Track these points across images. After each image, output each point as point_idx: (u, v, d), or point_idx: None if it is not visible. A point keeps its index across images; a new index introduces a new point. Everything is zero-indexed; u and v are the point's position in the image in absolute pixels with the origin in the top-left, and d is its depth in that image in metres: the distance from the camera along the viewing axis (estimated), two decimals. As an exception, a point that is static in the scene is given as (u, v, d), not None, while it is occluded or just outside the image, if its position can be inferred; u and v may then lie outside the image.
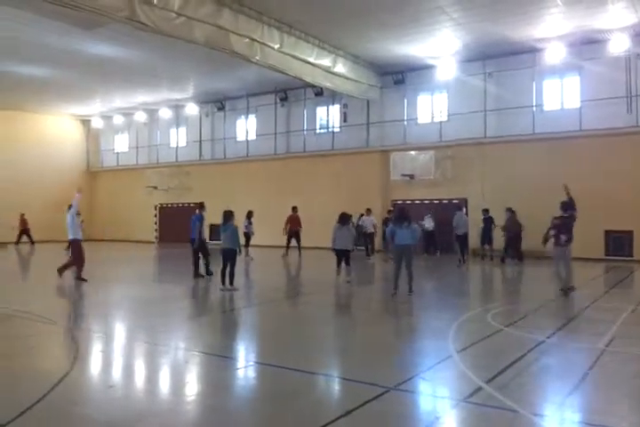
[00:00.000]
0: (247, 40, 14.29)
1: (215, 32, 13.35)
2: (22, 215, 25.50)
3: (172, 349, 6.56)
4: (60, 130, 30.72)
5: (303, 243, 19.08)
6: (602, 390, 4.97)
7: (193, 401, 4.72)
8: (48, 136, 29.79)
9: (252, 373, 5.59)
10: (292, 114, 24.33)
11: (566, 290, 9.94)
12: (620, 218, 16.89)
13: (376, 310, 9.47)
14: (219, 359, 6.02)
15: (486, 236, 17.12)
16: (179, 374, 5.60)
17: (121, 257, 21.28)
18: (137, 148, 29.91)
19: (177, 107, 27.48)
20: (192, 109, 26.71)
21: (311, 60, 16.71)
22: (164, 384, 5.37)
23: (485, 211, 17.19)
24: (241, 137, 25.94)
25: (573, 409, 4.53)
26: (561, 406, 4.54)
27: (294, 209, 18.97)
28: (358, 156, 22.16)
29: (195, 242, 12.77)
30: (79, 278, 11.88)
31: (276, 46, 15.23)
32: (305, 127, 23.85)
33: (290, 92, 23.79)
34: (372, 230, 18.41)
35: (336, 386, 5.20)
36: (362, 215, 18.75)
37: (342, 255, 11.81)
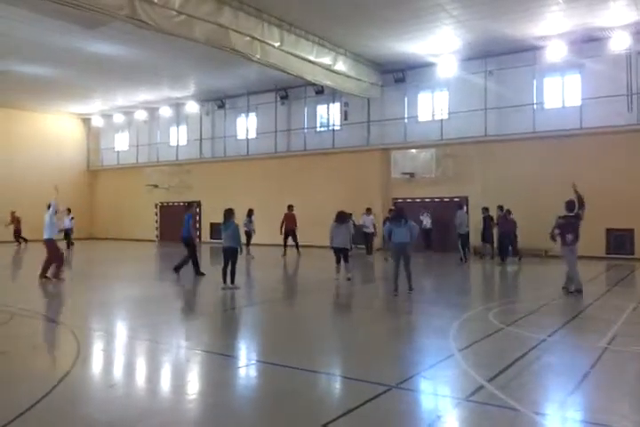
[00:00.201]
0: (247, 38, 14.26)
1: (215, 30, 13.33)
2: (13, 213, 24.59)
3: (173, 347, 6.56)
4: (60, 128, 30.67)
5: (304, 241, 19.05)
6: (603, 389, 4.96)
7: (194, 400, 4.72)
8: (48, 135, 29.76)
9: (253, 371, 5.59)
10: (292, 112, 24.29)
11: (575, 291, 9.87)
12: (621, 216, 16.88)
13: (377, 308, 9.46)
14: (220, 358, 6.02)
15: (486, 234, 17.15)
16: (180, 372, 5.60)
17: (121, 255, 21.28)
18: (137, 146, 29.87)
19: (177, 105, 27.45)
20: (192, 108, 26.67)
21: (311, 58, 16.67)
22: (166, 383, 5.37)
23: (485, 209, 17.20)
24: (241, 135, 25.91)
25: (575, 408, 4.53)
26: (562, 404, 4.54)
27: (290, 207, 18.93)
28: (359, 154, 22.14)
29: (185, 240, 12.76)
30: (57, 278, 11.89)
31: (277, 44, 15.21)
32: (305, 125, 23.82)
33: (290, 91, 23.76)
34: (372, 230, 18.43)
35: (337, 384, 5.20)
36: (369, 213, 18.73)
37: (340, 253, 11.98)
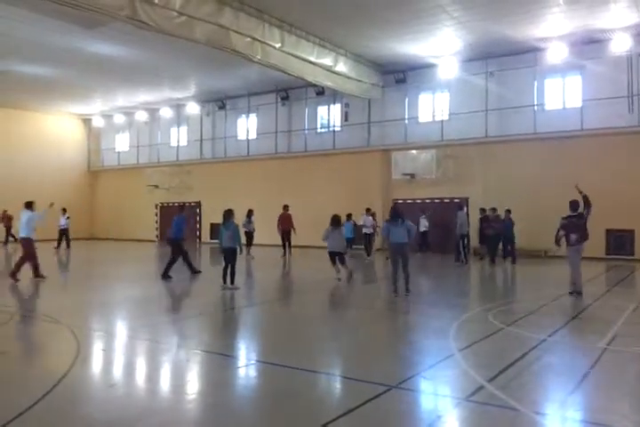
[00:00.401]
0: (248, 39, 14.27)
1: (216, 31, 13.34)
2: (5, 211, 24.53)
3: (173, 347, 6.56)
4: (60, 129, 30.69)
5: (305, 242, 19.03)
6: (603, 389, 4.96)
7: (194, 400, 4.71)
8: (49, 135, 29.78)
9: (253, 371, 5.59)
10: (293, 113, 24.31)
11: (575, 293, 9.84)
12: (621, 217, 16.87)
13: (377, 308, 9.46)
14: (220, 358, 6.02)
15: (482, 235, 17.12)
16: (179, 372, 5.60)
17: (122, 256, 21.29)
18: (138, 147, 29.88)
19: (178, 106, 27.46)
20: (193, 108, 26.67)
21: (312, 59, 16.68)
22: (165, 383, 5.37)
23: (482, 210, 17.19)
24: (242, 136, 25.92)
25: (575, 408, 4.52)
26: (562, 404, 4.54)
27: (285, 207, 18.89)
28: (359, 155, 22.14)
29: (172, 241, 12.70)
30: (37, 276, 11.95)
31: (277, 45, 15.22)
32: (306, 126, 23.82)
33: (291, 92, 23.77)
34: (372, 231, 18.39)
35: (337, 384, 5.19)
36: (368, 213, 18.70)
37: (335, 256, 12.13)
